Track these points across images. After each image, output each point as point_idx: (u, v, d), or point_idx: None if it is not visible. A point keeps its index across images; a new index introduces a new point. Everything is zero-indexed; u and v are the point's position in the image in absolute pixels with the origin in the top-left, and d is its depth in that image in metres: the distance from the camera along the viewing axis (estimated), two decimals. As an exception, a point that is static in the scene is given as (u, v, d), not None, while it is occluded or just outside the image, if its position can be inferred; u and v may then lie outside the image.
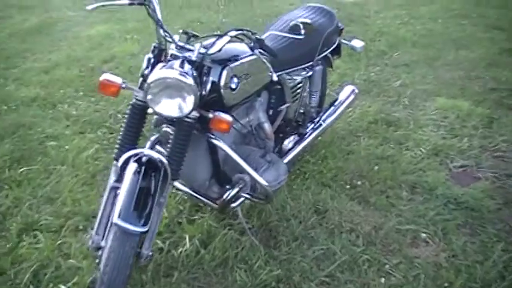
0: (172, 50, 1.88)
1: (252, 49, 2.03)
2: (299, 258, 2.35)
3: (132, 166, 1.78)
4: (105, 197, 1.90)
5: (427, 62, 5.09)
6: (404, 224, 2.64)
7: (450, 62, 5.08)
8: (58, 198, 2.67)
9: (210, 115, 1.92)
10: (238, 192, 2.19)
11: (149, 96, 1.79)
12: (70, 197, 2.64)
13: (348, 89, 3.27)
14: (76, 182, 2.81)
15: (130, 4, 1.88)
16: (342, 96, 3.23)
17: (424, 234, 2.57)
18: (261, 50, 2.02)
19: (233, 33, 1.90)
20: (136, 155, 1.81)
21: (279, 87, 2.53)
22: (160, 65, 1.87)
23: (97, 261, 1.90)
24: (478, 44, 5.56)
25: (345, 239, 2.50)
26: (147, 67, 1.89)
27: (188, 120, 1.89)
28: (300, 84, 2.71)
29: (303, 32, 2.16)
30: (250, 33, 1.95)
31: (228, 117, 1.92)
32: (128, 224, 1.66)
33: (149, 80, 1.77)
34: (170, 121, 1.99)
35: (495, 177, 3.09)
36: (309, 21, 2.27)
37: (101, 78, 1.89)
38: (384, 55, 5.12)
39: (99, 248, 1.89)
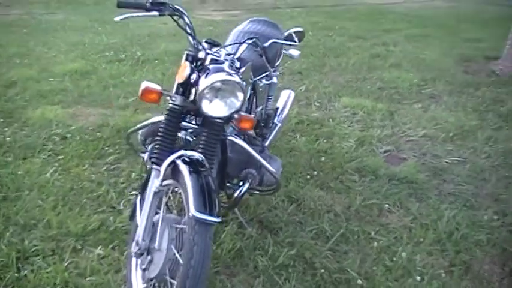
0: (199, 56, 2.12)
1: (260, 56, 2.37)
2: (300, 239, 2.69)
3: (184, 166, 1.95)
4: (148, 202, 2.00)
5: (316, 69, 5.87)
6: (367, 200, 3.16)
7: (336, 68, 5.94)
8: (37, 223, 2.60)
9: (236, 115, 2.19)
10: (249, 187, 2.46)
11: (204, 101, 1.98)
12: (54, 220, 2.60)
13: (286, 92, 3.74)
14: (48, 205, 2.75)
15: (160, 15, 2.07)
16: (282, 99, 3.67)
17: (386, 206, 3.12)
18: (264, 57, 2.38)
19: (249, 41, 2.23)
20: (180, 156, 1.99)
21: (253, 92, 2.88)
22: (195, 70, 2.05)
23: (143, 267, 1.99)
24: (350, 52, 6.56)
25: (328, 218, 2.92)
26: (191, 73, 2.04)
27: (220, 120, 2.14)
28: (265, 90, 3.09)
29: (296, 40, 2.57)
30: (259, 42, 2.30)
31: (251, 117, 2.21)
32: (207, 216, 1.82)
33: (203, 86, 1.95)
34: (183, 128, 2.18)
35: (415, 157, 3.83)
36: (300, 29, 2.68)
37: (142, 86, 2.04)
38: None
39: (141, 254, 1.99)
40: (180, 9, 2.10)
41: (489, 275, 2.57)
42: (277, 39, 2.69)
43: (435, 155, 3.89)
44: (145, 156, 2.44)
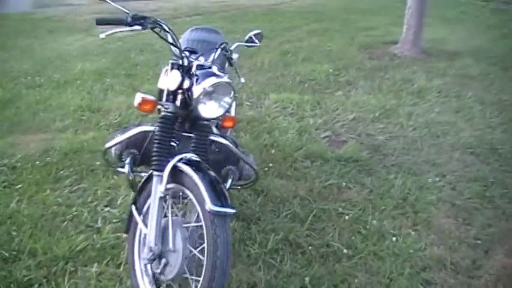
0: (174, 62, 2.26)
1: (230, 59, 2.59)
2: (279, 225, 2.92)
3: (188, 167, 2.08)
4: (155, 208, 2.10)
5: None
6: (325, 182, 3.47)
7: (253, 68, 6.26)
8: (19, 254, 2.58)
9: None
10: (231, 183, 2.64)
11: (201, 105, 2.14)
12: (37, 247, 2.59)
13: None
14: (25, 234, 2.73)
15: (143, 29, 2.19)
16: None
17: (343, 184, 3.46)
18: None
19: (221, 46, 2.45)
20: (180, 159, 2.13)
21: None
22: (186, 77, 2.19)
23: (158, 271, 2.09)
24: (261, 52, 6.90)
25: (297, 202, 3.18)
26: (183, 80, 2.18)
27: (207, 122, 2.32)
28: None
29: (257, 41, 2.80)
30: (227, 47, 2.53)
31: (232, 116, 2.41)
32: (223, 208, 1.97)
33: (199, 91, 2.11)
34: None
35: (353, 138, 4.24)
36: (259, 31, 2.91)
37: (138, 97, 2.18)
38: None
39: (154, 259, 2.10)
40: (161, 22, 2.23)
41: (448, 227, 2.98)
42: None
43: (369, 134, 4.32)
44: (126, 169, 2.53)
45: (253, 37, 2.79)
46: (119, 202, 3.07)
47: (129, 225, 2.37)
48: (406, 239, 2.83)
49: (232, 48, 2.69)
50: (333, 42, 7.64)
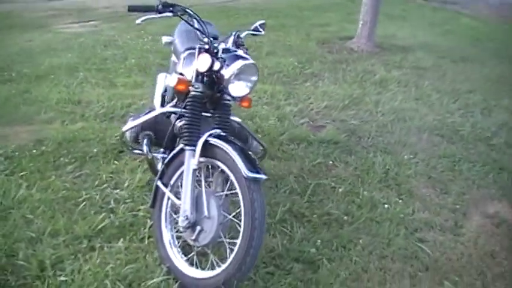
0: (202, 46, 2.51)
1: (241, 45, 2.84)
2: (281, 199, 3.22)
3: (220, 141, 2.32)
4: (189, 180, 2.33)
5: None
6: (313, 161, 3.80)
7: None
8: (40, 235, 2.70)
9: None
10: None
11: (231, 85, 2.38)
12: (58, 227, 2.75)
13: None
14: (42, 217, 2.83)
15: (174, 16, 2.42)
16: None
17: (330, 162, 3.81)
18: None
19: (235, 33, 2.69)
20: (211, 134, 2.37)
21: None
22: (216, 60, 2.41)
23: (193, 238, 2.33)
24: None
25: (292, 179, 3.48)
26: (213, 62, 2.38)
27: (228, 102, 2.56)
28: None
29: (261, 30, 3.07)
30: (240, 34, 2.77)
31: (249, 96, 2.58)
32: (257, 174, 2.23)
33: (229, 73, 2.34)
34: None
35: (329, 124, 4.61)
36: (263, 21, 3.16)
37: (174, 77, 2.43)
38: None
39: (189, 227, 2.34)
40: (188, 10, 2.47)
41: (429, 195, 3.39)
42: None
43: (342, 120, 4.70)
44: (145, 149, 2.77)
45: (259, 27, 3.06)
46: (126, 185, 3.22)
47: (154, 199, 2.60)
48: (395, 207, 3.20)
49: (243, 36, 2.95)
50: (291, 37, 7.99)
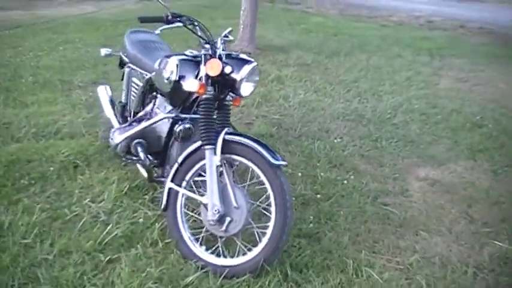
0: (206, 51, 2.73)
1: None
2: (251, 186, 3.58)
3: (238, 137, 2.60)
4: (214, 176, 2.57)
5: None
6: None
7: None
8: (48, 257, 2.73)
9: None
10: None
11: (242, 85, 2.65)
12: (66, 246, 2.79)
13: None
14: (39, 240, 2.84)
15: (184, 26, 2.64)
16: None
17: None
18: None
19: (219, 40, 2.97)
20: (226, 132, 2.63)
21: None
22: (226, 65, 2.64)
23: (223, 228, 2.59)
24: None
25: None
26: (224, 67, 2.61)
27: (228, 102, 2.83)
28: None
29: (231, 37, 3.36)
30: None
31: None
32: (280, 161, 2.56)
33: (242, 75, 2.62)
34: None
35: (254, 120, 5.04)
36: (230, 28, 3.41)
37: (197, 82, 2.62)
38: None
39: (220, 219, 2.60)
40: (195, 20, 2.72)
41: (370, 170, 4.02)
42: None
43: (264, 115, 5.16)
44: (142, 156, 3.03)
45: (228, 34, 3.36)
46: (105, 196, 3.28)
47: (167, 202, 2.81)
48: (350, 182, 3.75)
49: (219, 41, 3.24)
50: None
